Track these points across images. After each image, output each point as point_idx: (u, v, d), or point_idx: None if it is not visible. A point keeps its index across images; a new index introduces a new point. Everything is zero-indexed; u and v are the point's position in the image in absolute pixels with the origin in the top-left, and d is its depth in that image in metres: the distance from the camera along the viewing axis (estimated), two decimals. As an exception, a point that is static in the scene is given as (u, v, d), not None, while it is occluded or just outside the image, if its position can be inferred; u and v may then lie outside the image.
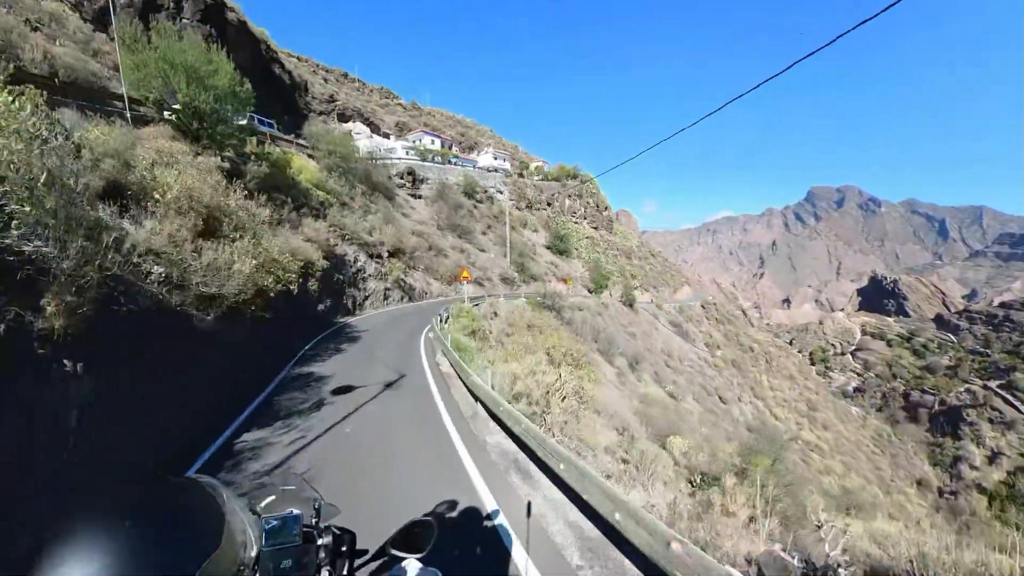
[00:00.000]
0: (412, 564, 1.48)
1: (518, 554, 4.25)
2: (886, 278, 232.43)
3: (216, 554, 0.83)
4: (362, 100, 63.24)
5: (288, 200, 20.11)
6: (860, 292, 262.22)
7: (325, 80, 60.95)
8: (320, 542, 1.28)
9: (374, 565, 1.48)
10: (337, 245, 22.21)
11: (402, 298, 26.99)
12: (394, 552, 1.42)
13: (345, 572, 1.33)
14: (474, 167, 59.06)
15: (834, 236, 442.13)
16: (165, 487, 0.90)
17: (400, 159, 47.75)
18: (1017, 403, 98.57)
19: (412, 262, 29.68)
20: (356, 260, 23.67)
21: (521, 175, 68.44)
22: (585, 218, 73.58)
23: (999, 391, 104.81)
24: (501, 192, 57.64)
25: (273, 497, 1.41)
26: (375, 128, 59.05)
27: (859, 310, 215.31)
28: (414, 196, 43.37)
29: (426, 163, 49.98)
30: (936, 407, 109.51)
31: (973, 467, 77.00)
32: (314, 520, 1.33)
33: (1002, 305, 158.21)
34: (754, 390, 59.27)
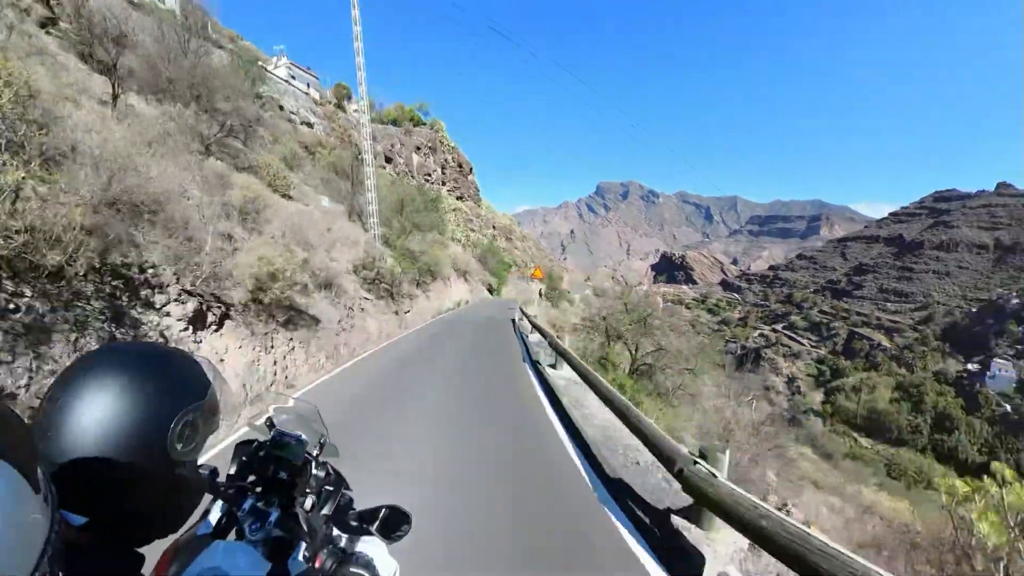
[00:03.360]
0: (376, 546, 1.51)
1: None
2: (675, 254, 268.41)
3: (201, 403, 0.89)
4: None
5: None
6: (653, 267, 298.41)
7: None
8: (314, 472, 1.34)
9: (349, 523, 1.43)
10: None
11: None
12: (366, 526, 1.40)
13: (326, 511, 1.36)
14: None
15: (622, 223, 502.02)
16: (161, 348, 0.94)
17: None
18: (799, 338, 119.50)
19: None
20: None
21: (340, 107, 47.69)
22: (444, 183, 58.21)
23: (784, 331, 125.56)
24: (311, 126, 38.93)
25: (288, 406, 1.50)
26: None
27: (655, 283, 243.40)
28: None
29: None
30: (739, 351, 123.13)
31: (798, 393, 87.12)
32: (316, 452, 1.38)
33: (771, 267, 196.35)
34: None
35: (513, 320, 20.87)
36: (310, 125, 38.33)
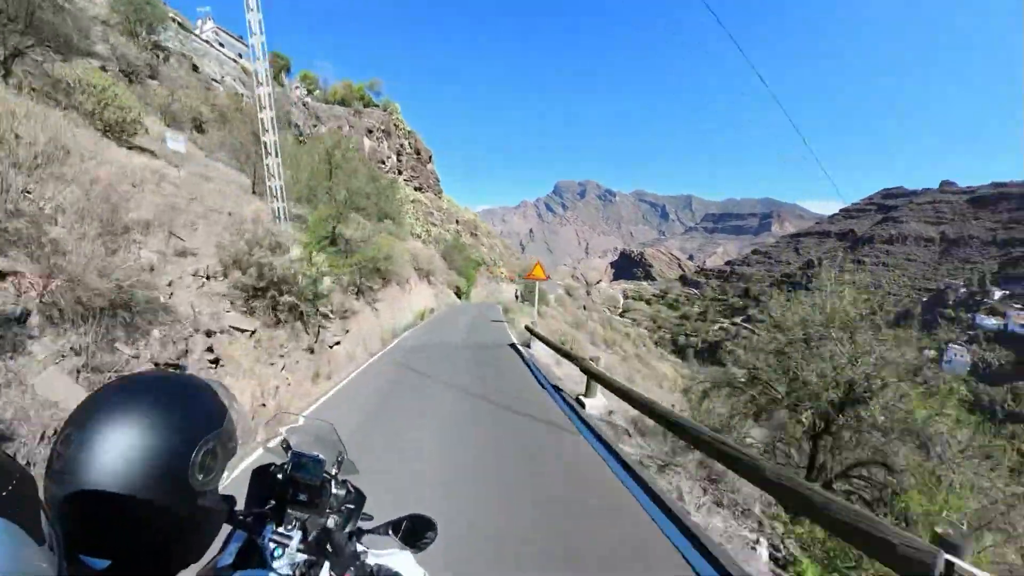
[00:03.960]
0: (403, 557, 1.50)
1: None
2: (633, 252, 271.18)
3: (219, 431, 0.89)
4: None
5: None
6: (612, 264, 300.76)
7: None
8: (334, 491, 1.32)
9: (372, 538, 1.46)
10: None
11: None
12: (392, 536, 1.43)
13: (348, 529, 1.35)
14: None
15: (580, 222, 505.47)
16: (174, 376, 0.94)
17: None
18: (758, 331, 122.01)
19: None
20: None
21: (276, 80, 37.27)
22: (401, 171, 52.50)
23: (744, 324, 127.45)
24: (242, 94, 31.91)
25: (302, 426, 1.48)
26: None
27: (614, 280, 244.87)
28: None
29: None
30: (700, 345, 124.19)
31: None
32: (335, 471, 1.36)
33: (728, 263, 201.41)
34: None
35: (515, 346, 14.32)
36: (240, 96, 33.46)
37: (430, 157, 61.05)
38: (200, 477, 0.83)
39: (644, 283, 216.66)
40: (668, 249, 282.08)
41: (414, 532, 1.43)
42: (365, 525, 1.43)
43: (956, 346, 74.10)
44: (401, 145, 53.12)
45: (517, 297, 42.44)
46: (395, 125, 52.73)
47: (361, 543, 1.41)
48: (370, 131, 47.49)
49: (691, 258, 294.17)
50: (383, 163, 48.39)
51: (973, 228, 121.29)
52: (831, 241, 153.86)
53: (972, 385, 68.58)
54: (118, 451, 0.75)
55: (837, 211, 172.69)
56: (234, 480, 1.06)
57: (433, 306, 26.21)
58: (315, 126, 41.15)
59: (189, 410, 0.86)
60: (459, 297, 35.55)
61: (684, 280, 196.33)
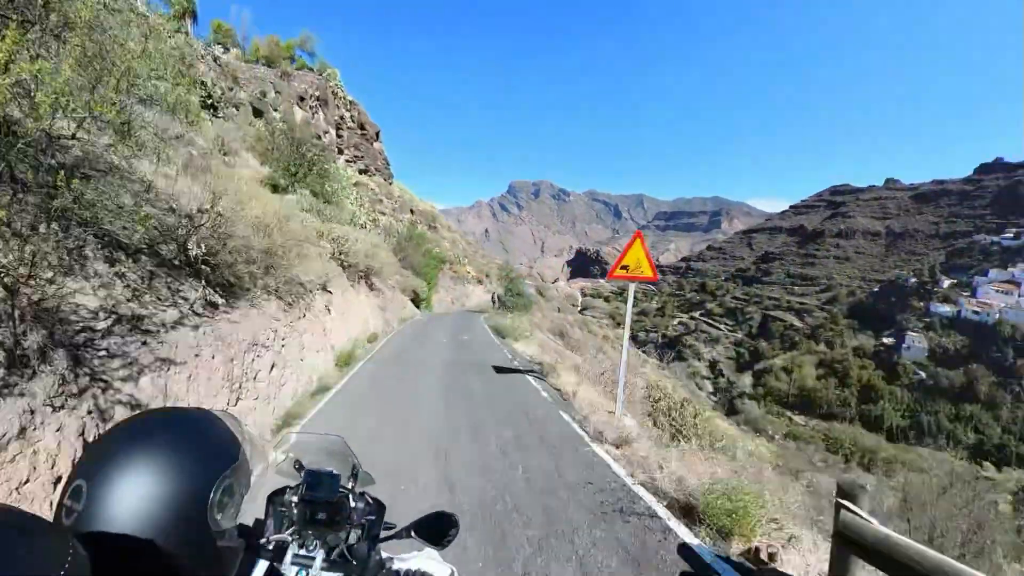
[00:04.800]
0: (430, 554, 1.52)
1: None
2: (589, 250, 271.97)
3: (235, 466, 0.85)
4: None
5: None
6: (569, 263, 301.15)
7: None
8: (353, 505, 1.31)
9: (396, 544, 1.45)
10: None
11: None
12: (415, 537, 1.41)
13: (370, 540, 1.35)
14: None
15: (535, 221, 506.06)
16: (181, 412, 0.91)
17: None
18: (716, 324, 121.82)
19: None
20: None
21: (180, 30, 26.65)
22: (343, 149, 44.38)
23: (702, 318, 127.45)
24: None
25: (311, 442, 1.45)
26: None
27: (571, 278, 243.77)
28: None
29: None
30: (660, 340, 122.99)
31: (721, 376, 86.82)
32: (351, 484, 1.36)
33: (684, 259, 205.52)
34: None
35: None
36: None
37: (377, 134, 52.15)
38: (219, 517, 0.79)
39: (601, 281, 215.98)
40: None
41: (436, 530, 1.39)
42: (387, 532, 1.41)
43: (913, 333, 74.50)
44: (341, 118, 45.23)
45: (495, 302, 35.74)
46: (333, 93, 44.63)
47: (384, 551, 1.40)
48: (302, 98, 39.41)
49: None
50: (319, 138, 39.94)
51: (917, 222, 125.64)
52: (783, 236, 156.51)
53: (931, 370, 69.19)
54: (133, 502, 0.70)
55: (787, 207, 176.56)
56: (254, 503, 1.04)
57: (378, 328, 17.20)
58: (231, 89, 34.37)
59: (203, 447, 0.82)
60: (418, 306, 27.87)
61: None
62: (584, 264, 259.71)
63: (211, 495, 0.77)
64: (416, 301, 27.85)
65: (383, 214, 39.78)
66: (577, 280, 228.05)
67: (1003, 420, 57.25)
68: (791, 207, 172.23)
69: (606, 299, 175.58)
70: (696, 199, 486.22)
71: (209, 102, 24.16)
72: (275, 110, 34.93)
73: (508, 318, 23.76)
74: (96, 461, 0.74)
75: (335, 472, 1.29)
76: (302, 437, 1.48)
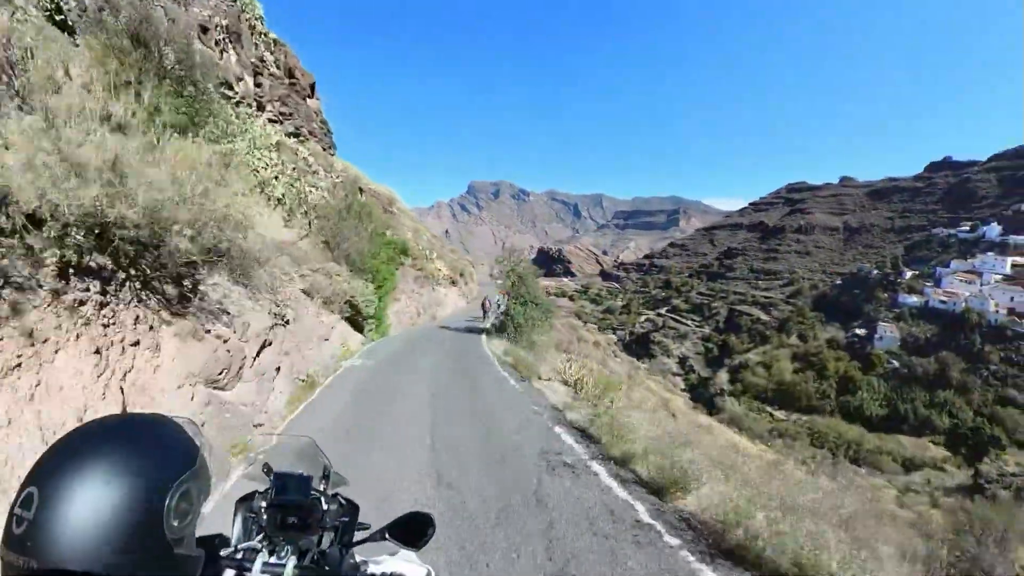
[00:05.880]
0: (405, 556, 1.49)
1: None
2: (551, 249, 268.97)
3: (193, 470, 0.83)
4: None
5: None
6: (532, 262, 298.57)
7: None
8: (325, 507, 1.27)
9: (371, 546, 1.39)
10: None
11: None
12: (389, 539, 1.35)
13: (344, 543, 1.31)
14: None
15: (496, 221, 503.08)
16: (137, 417, 0.89)
17: None
18: (684, 320, 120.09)
19: None
20: None
21: None
22: (263, 104, 30.34)
23: (669, 315, 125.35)
24: None
25: (280, 445, 1.43)
26: None
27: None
28: None
29: None
30: (628, 338, 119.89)
31: (692, 372, 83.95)
32: (322, 486, 1.32)
33: (647, 256, 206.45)
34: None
35: None
36: None
37: (312, 87, 37.75)
38: (176, 524, 0.76)
39: (565, 279, 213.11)
40: (585, 245, 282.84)
41: (411, 531, 1.32)
42: (362, 534, 1.34)
43: (884, 323, 73.04)
44: (262, 60, 32.86)
45: (507, 317, 20.28)
46: (251, 26, 32.63)
47: (359, 554, 1.34)
48: (204, 29, 28.41)
49: (605, 253, 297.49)
50: (231, 87, 27.05)
51: (872, 217, 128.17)
52: (743, 233, 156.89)
53: (904, 358, 67.77)
54: (86, 509, 0.67)
55: (746, 205, 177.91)
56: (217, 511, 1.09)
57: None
58: (101, 9, 25.77)
59: (159, 452, 0.79)
60: (361, 329, 16.53)
61: (604, 274, 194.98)
62: (547, 263, 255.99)
63: (167, 500, 0.74)
64: (359, 322, 16.58)
65: (315, 188, 29.06)
66: (540, 279, 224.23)
67: (975, 404, 57.82)
68: (750, 204, 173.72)
69: (571, 298, 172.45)
70: (654, 198, 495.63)
71: (59, 17, 16.25)
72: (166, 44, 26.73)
73: (525, 344, 15.93)
74: (48, 467, 0.71)
75: (306, 474, 1.24)
76: (270, 439, 1.41)
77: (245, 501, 1.24)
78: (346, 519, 1.30)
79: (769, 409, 61.86)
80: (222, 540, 1.09)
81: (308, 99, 43.50)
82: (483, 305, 25.19)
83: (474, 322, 24.76)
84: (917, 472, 45.10)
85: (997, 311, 65.56)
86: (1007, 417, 54.38)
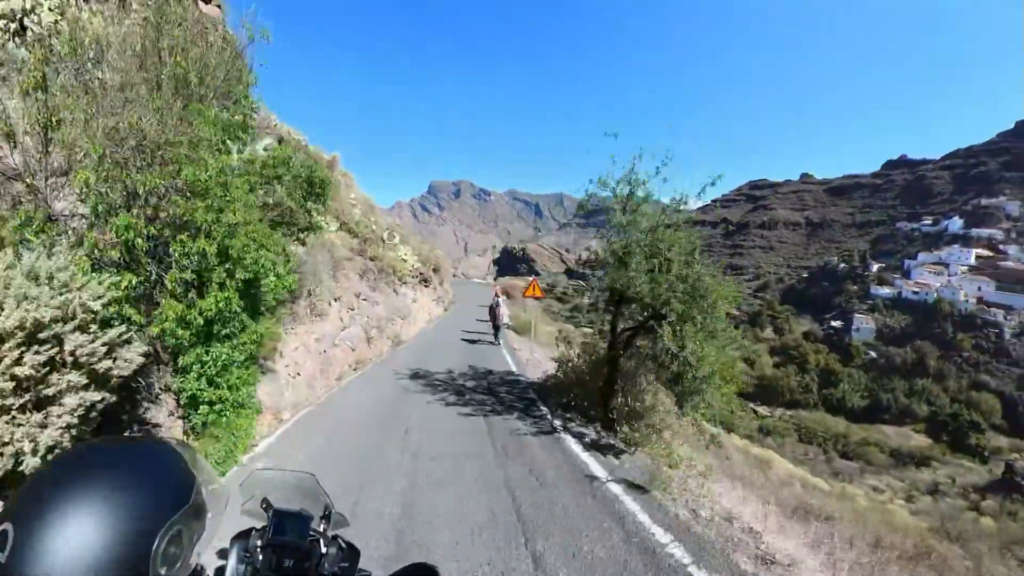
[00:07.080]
0: None
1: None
2: (515, 248, 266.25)
3: (185, 509, 0.76)
4: None
5: None
6: (495, 262, 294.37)
7: None
8: (324, 551, 1.18)
9: None
10: None
11: None
12: None
13: None
14: None
15: (457, 221, 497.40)
16: (128, 443, 0.85)
17: None
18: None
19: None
20: None
21: None
22: None
23: None
24: None
25: (281, 479, 1.34)
26: None
27: (499, 276, 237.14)
28: None
29: None
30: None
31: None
32: (322, 527, 1.24)
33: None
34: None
35: None
36: None
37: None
38: (163, 571, 0.69)
39: (529, 278, 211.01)
40: (548, 244, 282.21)
41: None
42: None
43: (859, 315, 73.39)
44: None
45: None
46: None
47: None
48: None
49: (568, 251, 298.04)
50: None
51: (833, 213, 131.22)
52: (707, 229, 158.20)
53: (882, 349, 68.11)
54: (65, 552, 0.62)
55: (709, 202, 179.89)
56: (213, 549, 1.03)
57: None
58: None
59: (150, 487, 0.73)
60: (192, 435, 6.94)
61: (570, 273, 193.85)
62: (510, 262, 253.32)
63: (154, 545, 0.68)
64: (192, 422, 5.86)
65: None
66: (505, 279, 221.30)
67: (951, 391, 58.72)
68: (714, 201, 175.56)
69: (537, 297, 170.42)
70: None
71: None
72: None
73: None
74: (27, 502, 0.66)
75: (306, 513, 1.19)
76: (270, 474, 1.33)
77: (240, 539, 1.14)
78: (345, 564, 1.18)
79: (752, 405, 60.53)
80: None
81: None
82: (491, 313, 17.65)
83: (479, 349, 16.23)
84: (919, 469, 43.87)
85: (967, 300, 66.85)
86: (982, 401, 55.23)
